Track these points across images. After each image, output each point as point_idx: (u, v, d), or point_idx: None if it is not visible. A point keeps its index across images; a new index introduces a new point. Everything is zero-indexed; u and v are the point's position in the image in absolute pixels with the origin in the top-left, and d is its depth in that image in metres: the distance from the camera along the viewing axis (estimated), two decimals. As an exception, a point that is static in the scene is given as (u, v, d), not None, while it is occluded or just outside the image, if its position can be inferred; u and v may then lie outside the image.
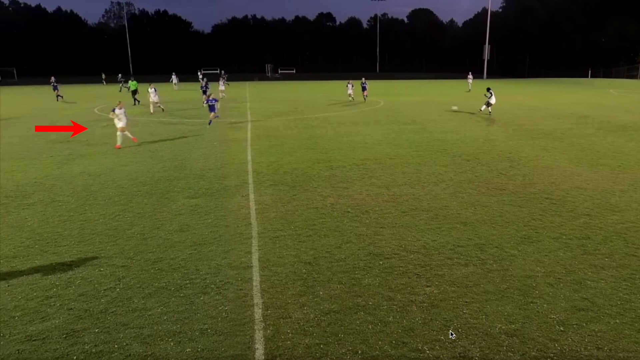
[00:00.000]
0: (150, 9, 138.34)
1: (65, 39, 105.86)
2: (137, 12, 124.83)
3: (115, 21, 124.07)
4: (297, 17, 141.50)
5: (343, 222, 11.15)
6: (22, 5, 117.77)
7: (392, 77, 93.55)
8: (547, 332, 6.65)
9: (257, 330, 6.79)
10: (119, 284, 8.27)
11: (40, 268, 8.96)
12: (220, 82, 47.04)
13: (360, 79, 43.32)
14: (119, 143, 20.53)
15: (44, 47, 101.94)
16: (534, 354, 6.19)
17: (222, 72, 68.76)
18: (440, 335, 6.56)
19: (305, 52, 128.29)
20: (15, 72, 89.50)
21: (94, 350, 6.44)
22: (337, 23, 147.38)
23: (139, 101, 40.76)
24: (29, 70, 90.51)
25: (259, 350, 6.35)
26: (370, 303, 7.46)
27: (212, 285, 8.17)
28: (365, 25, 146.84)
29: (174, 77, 62.54)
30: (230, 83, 65.19)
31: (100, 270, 8.79)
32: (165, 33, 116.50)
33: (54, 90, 47.08)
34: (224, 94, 44.87)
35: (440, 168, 16.39)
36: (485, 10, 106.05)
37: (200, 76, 62.80)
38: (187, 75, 76.60)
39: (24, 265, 9.07)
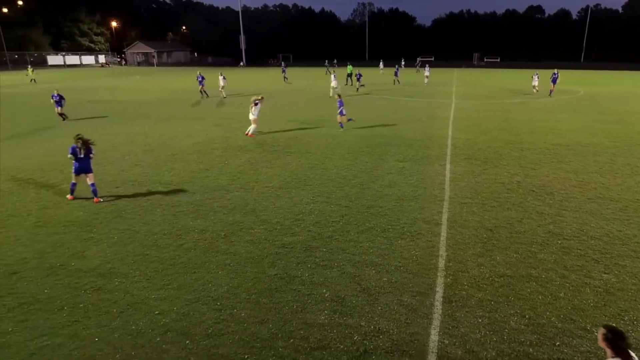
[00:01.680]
0: (385, 7, 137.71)
1: (325, 32, 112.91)
2: (376, 10, 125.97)
3: (359, 18, 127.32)
4: (507, 11, 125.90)
5: (527, 199, 9.99)
6: (299, 8, 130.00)
7: (598, 67, 77.63)
8: None
9: (439, 277, 6.65)
10: (342, 219, 8.86)
11: (294, 198, 10.08)
12: (426, 68, 43.99)
13: (554, 69, 33.66)
14: (251, 132, 17.15)
15: (310, 38, 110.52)
16: None
17: (419, 60, 64.18)
18: (612, 322, 5.53)
19: (511, 41, 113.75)
20: (291, 57, 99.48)
21: (321, 263, 7.10)
22: (546, 15, 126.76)
23: (351, 83, 38.60)
24: (300, 55, 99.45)
25: (439, 293, 6.23)
26: (543, 276, 6.64)
27: (408, 233, 8.20)
28: (574, 17, 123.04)
29: (381, 63, 60.83)
30: (439, 69, 61.06)
31: (331, 207, 9.52)
32: (395, 27, 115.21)
33: (282, 73, 45.12)
34: (428, 79, 41.63)
35: (637, 160, 13.34)
36: None
37: (418, 63, 59.97)
38: (408, 62, 74.99)
39: (284, 195, 10.31)
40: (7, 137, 16.99)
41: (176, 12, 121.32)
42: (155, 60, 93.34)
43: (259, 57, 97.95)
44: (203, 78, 29.98)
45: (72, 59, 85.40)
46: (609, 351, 3.51)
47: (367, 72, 55.69)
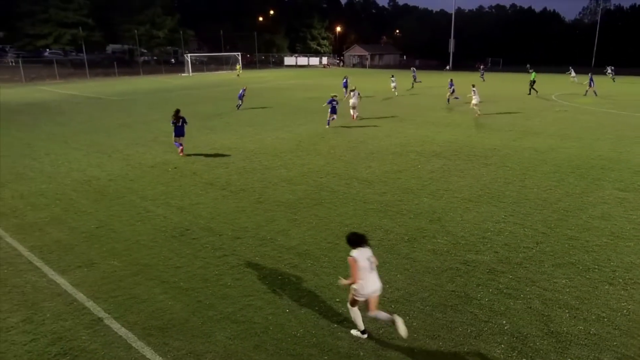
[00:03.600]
0: (626, 4, 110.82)
1: (544, 34, 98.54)
2: (612, 7, 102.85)
3: (589, 17, 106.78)
4: None
5: None
6: (517, 7, 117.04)
7: None
8: None
9: (660, 346, 5.17)
10: (536, 247, 7.75)
11: (483, 214, 9.27)
12: None
13: None
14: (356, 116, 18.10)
15: (526, 41, 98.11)
16: None
17: (609, 67, 47.76)
18: None
19: None
20: (501, 61, 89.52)
21: (505, 290, 6.37)
22: None
23: (536, 91, 32.37)
24: (512, 59, 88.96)
25: (657, 366, 4.84)
26: None
27: (620, 279, 6.62)
28: None
29: (572, 70, 48.27)
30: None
31: (524, 231, 8.42)
32: (636, 26, 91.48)
33: (413, 76, 39.80)
34: None
35: None
36: None
37: (607, 70, 46.85)
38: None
39: (474, 208, 9.57)
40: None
41: (393, 16, 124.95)
42: (367, 63, 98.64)
43: (467, 60, 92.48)
44: (347, 83, 30.06)
45: (302, 60, 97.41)
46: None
47: (555, 79, 47.30)
